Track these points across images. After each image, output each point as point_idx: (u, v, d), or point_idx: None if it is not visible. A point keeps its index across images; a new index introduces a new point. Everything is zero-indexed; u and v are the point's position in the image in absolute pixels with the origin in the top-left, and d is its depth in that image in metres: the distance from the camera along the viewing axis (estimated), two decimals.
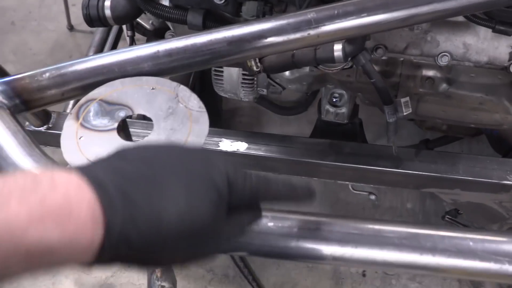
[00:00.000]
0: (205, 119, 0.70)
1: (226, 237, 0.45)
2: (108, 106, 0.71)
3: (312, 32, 0.75)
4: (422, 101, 1.11)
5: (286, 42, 0.76)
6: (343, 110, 1.28)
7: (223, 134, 1.22)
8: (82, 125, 0.68)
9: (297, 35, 0.75)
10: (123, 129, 0.70)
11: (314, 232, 0.54)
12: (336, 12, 0.74)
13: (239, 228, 0.47)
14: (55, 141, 1.29)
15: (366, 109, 1.38)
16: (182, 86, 0.74)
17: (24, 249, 0.34)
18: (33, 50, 2.44)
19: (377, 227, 0.55)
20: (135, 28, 1.32)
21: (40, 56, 2.41)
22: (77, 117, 0.70)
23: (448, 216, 1.07)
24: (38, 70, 0.72)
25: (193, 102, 0.72)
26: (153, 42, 0.77)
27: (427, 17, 0.75)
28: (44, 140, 1.31)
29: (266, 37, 0.76)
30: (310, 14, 0.75)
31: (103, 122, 0.69)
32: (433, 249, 0.54)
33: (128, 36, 1.22)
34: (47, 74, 0.72)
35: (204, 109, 0.71)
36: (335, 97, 1.29)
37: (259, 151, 1.19)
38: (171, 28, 1.14)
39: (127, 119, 0.71)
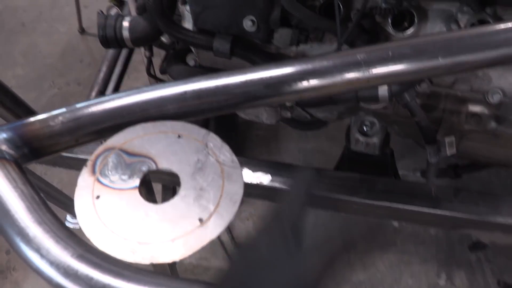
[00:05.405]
0: (240, 177, 0.61)
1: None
2: (128, 158, 0.62)
3: (361, 75, 0.66)
4: (466, 139, 1.02)
5: (330, 86, 0.67)
6: (375, 140, 1.19)
7: (245, 163, 1.13)
8: (98, 181, 0.60)
9: (344, 78, 0.66)
10: (145, 187, 0.61)
11: None
12: (390, 54, 0.65)
13: None
14: (63, 163, 1.21)
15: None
16: (212, 134, 0.65)
17: None
18: (43, 52, 2.36)
19: None
20: None
21: (50, 59, 2.33)
22: (93, 170, 0.61)
23: None
24: (49, 114, 0.63)
25: (225, 154, 0.64)
26: (179, 81, 0.68)
27: (494, 61, 0.66)
28: (53, 161, 1.24)
29: (308, 80, 0.67)
30: (360, 55, 0.66)
31: (123, 178, 0.60)
32: None
33: (146, 57, 1.13)
34: (60, 118, 0.63)
35: (238, 164, 0.62)
36: (366, 126, 1.19)
37: (284, 184, 1.10)
38: (193, 50, 1.04)
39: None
